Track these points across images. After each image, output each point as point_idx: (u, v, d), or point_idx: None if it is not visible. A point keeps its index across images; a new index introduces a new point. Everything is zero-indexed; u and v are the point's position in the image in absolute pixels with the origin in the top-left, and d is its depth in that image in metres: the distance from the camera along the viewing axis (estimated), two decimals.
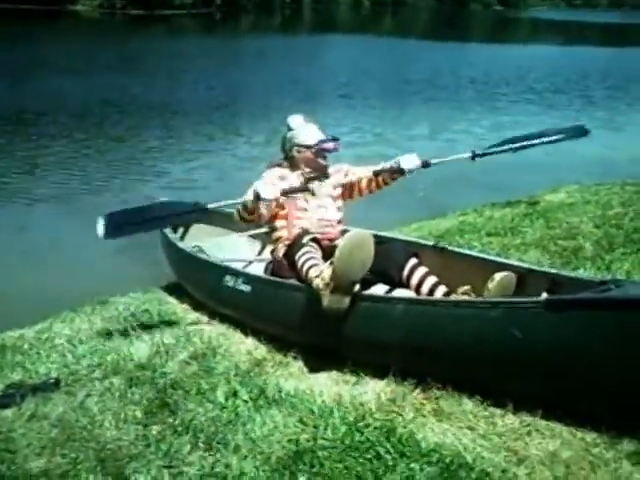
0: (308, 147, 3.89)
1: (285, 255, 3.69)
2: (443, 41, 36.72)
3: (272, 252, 3.99)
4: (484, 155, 4.17)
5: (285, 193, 3.73)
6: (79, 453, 2.73)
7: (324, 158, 3.93)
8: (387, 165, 3.98)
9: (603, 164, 9.64)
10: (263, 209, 3.70)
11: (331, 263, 3.20)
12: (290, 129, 4.00)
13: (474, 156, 4.10)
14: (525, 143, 4.64)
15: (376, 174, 3.98)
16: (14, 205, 7.72)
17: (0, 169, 9.25)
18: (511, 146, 4.47)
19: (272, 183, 3.77)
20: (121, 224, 3.84)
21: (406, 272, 3.57)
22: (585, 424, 2.67)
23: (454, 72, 21.73)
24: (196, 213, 4.03)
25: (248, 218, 3.85)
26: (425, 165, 4.00)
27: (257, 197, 3.61)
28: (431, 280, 3.53)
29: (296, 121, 4.01)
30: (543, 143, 4.63)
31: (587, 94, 17.74)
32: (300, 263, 3.47)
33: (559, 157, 10.43)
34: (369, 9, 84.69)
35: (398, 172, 3.93)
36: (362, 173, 4.04)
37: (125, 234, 3.94)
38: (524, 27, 63.96)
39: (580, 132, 5.10)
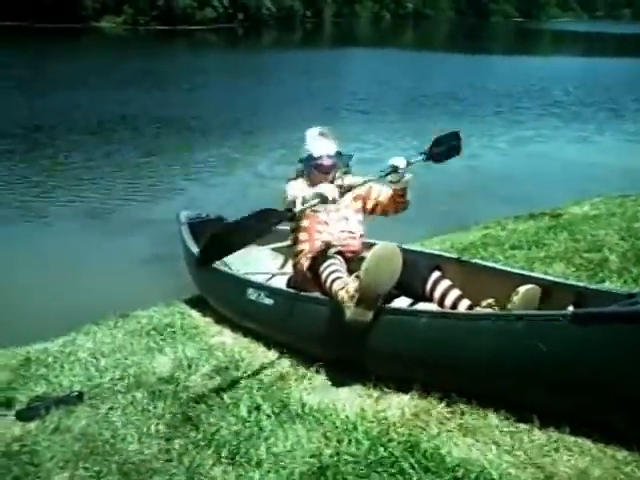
0: (309, 161, 3.87)
1: (309, 268, 3.67)
2: (464, 53, 36.76)
3: (294, 265, 3.97)
4: (430, 154, 4.03)
5: (342, 192, 3.58)
6: (102, 467, 2.73)
7: (325, 174, 3.85)
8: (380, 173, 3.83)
9: (627, 176, 9.53)
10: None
11: (357, 276, 3.18)
12: (304, 142, 3.99)
13: (427, 158, 4.02)
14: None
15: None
16: (36, 220, 7.80)
17: (22, 184, 9.37)
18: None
19: (293, 188, 3.76)
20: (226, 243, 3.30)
21: (429, 285, 3.54)
22: (615, 441, 2.61)
23: (475, 85, 21.69)
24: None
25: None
26: (408, 163, 3.81)
27: (323, 199, 3.44)
28: (454, 293, 3.50)
29: (310, 134, 3.98)
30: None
31: (610, 106, 17.62)
32: (324, 275, 3.46)
33: (582, 168, 10.40)
34: (390, 22, 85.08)
35: (392, 170, 3.76)
36: (382, 188, 3.96)
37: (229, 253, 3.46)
38: (546, 39, 63.80)
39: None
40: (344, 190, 3.69)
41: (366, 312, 3.17)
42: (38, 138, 12.34)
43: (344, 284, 3.29)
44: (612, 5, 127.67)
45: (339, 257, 3.56)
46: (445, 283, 3.56)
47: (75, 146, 11.71)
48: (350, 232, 3.88)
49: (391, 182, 3.83)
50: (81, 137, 12.58)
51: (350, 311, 3.17)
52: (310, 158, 3.87)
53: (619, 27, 75.95)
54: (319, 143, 3.92)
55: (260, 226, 3.37)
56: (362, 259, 3.54)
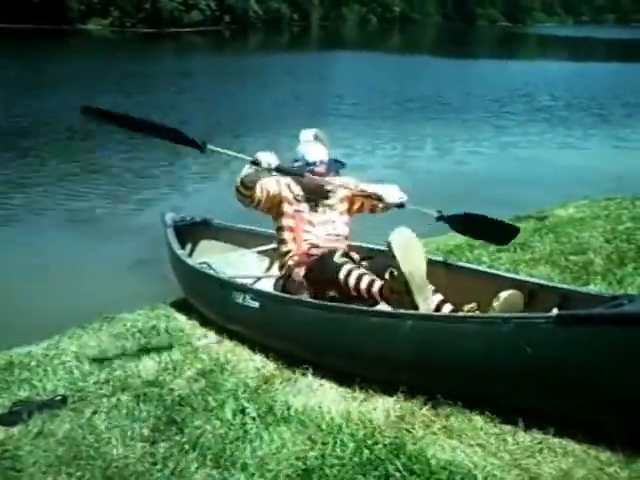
0: (303, 166, 3.86)
1: (307, 275, 3.67)
2: (450, 58, 36.91)
3: (281, 267, 3.96)
4: (447, 219, 3.97)
5: (281, 170, 3.62)
6: (85, 471, 2.70)
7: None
8: (374, 190, 3.85)
9: (612, 179, 9.60)
10: (255, 175, 3.60)
11: (392, 272, 3.29)
12: (299, 142, 4.00)
13: (439, 218, 3.97)
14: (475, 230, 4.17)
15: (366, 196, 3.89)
16: (21, 222, 7.73)
17: (6, 186, 9.27)
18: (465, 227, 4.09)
19: (277, 181, 3.82)
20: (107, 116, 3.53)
21: None
22: (599, 442, 2.62)
23: (461, 89, 21.77)
24: (194, 147, 3.60)
25: (245, 193, 3.74)
26: (400, 205, 3.82)
27: (254, 162, 3.51)
28: (437, 298, 3.51)
29: (305, 136, 3.98)
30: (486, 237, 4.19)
31: (596, 110, 17.74)
32: (343, 277, 3.50)
33: (567, 172, 10.45)
34: (376, 26, 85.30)
35: (378, 202, 3.84)
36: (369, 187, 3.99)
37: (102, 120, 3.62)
38: (531, 43, 64.21)
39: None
40: (333, 188, 3.73)
41: (422, 297, 3.28)
42: (22, 141, 12.21)
43: (371, 280, 3.39)
44: (597, 10, 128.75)
45: (347, 258, 3.61)
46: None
47: (59, 149, 11.60)
48: (336, 235, 3.89)
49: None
50: (65, 140, 12.50)
51: (405, 301, 3.28)
52: (304, 161, 3.86)
53: (604, 32, 76.55)
54: (313, 148, 3.91)
55: (157, 132, 3.60)
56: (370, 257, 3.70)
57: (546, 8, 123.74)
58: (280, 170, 3.63)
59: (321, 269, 3.60)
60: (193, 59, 32.67)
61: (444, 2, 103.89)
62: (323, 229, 3.84)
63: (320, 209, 3.85)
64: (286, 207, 3.85)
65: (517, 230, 4.01)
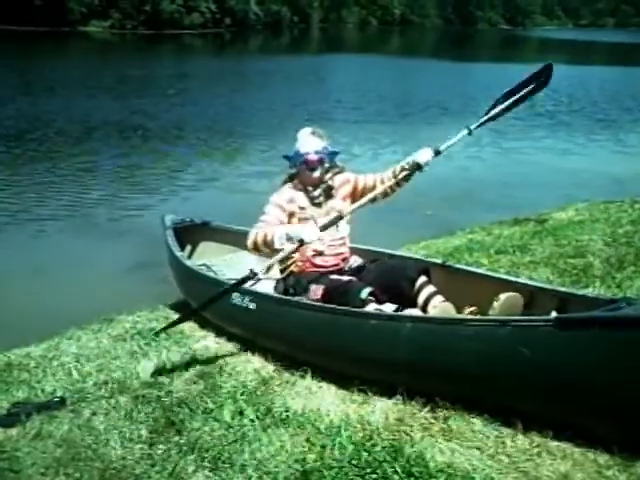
0: (296, 158, 3.81)
1: (325, 297, 3.61)
2: (451, 61, 36.93)
3: (282, 271, 3.92)
4: (479, 126, 3.99)
5: (325, 228, 3.61)
6: (84, 473, 2.71)
7: (312, 170, 3.79)
8: (404, 164, 3.79)
9: (612, 182, 9.62)
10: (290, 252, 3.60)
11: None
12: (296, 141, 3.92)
13: (470, 131, 3.95)
14: (513, 99, 4.18)
15: (394, 175, 3.81)
16: (22, 223, 7.73)
17: (8, 187, 9.28)
18: (502, 107, 4.11)
19: (280, 206, 3.74)
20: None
21: (416, 288, 3.55)
22: (597, 445, 2.62)
23: (462, 93, 21.75)
24: None
25: (264, 251, 3.73)
26: (437, 153, 3.79)
27: (301, 242, 3.49)
28: (438, 299, 3.50)
29: (301, 132, 3.91)
30: (528, 92, 4.16)
31: (596, 114, 17.74)
32: None
33: (567, 175, 10.47)
34: (376, 29, 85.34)
35: (416, 168, 3.73)
36: (372, 179, 3.92)
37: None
38: (532, 46, 64.21)
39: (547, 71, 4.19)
40: (336, 220, 3.67)
41: None
42: (20, 144, 12.21)
43: None
44: (596, 14, 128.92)
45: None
46: (430, 289, 3.57)
47: (59, 152, 11.59)
48: (341, 238, 3.87)
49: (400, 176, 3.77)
50: (65, 143, 12.47)
51: None
52: (297, 154, 3.81)
53: (603, 35, 76.63)
54: (307, 140, 3.85)
55: None
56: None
57: (546, 12, 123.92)
58: (323, 229, 3.61)
59: (342, 304, 3.46)
60: (193, 62, 32.68)
61: (444, 5, 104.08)
62: (327, 233, 3.79)
63: (323, 210, 3.82)
64: (294, 219, 3.81)
65: (550, 66, 4.11)
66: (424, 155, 3.72)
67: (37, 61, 27.42)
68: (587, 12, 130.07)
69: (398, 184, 3.81)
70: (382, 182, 3.85)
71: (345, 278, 3.69)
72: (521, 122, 16.02)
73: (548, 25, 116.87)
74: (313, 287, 3.69)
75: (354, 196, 3.92)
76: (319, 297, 3.62)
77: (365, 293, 3.47)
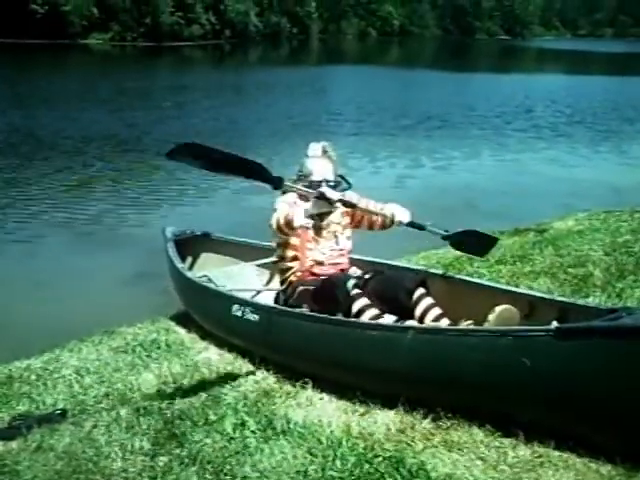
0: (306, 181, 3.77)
1: (315, 298, 3.64)
2: (450, 71, 37.03)
3: (283, 282, 3.92)
4: (450, 237, 4.00)
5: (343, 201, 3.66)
6: None
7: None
8: (383, 210, 3.84)
9: (611, 192, 9.63)
10: (318, 209, 3.62)
11: None
12: (306, 156, 3.90)
13: (445, 236, 3.98)
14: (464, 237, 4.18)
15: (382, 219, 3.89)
16: (22, 235, 7.73)
17: (8, 198, 9.29)
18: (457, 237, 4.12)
19: (289, 204, 3.71)
20: (193, 154, 3.38)
21: (414, 300, 3.56)
22: (599, 456, 2.62)
23: (461, 103, 21.77)
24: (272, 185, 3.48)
25: (288, 232, 3.66)
26: (410, 224, 3.84)
27: (321, 197, 3.56)
28: (435, 312, 3.50)
29: (312, 150, 3.88)
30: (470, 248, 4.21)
31: (595, 124, 17.76)
32: (356, 314, 3.47)
33: (567, 185, 10.47)
34: (376, 39, 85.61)
35: (390, 222, 3.82)
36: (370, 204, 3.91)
37: (189, 162, 3.46)
38: (530, 57, 64.47)
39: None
40: (348, 204, 3.69)
41: None
42: (19, 156, 12.21)
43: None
44: (594, 24, 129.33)
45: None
46: (427, 301, 3.56)
47: (55, 165, 11.55)
48: (340, 250, 3.88)
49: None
50: (60, 156, 12.42)
51: None
52: (309, 181, 3.76)
53: (601, 45, 76.86)
54: (320, 164, 3.81)
55: (237, 170, 3.45)
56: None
57: (544, 22, 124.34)
58: (342, 201, 3.65)
59: (330, 298, 3.53)
60: (192, 73, 32.75)
61: (443, 16, 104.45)
62: (327, 244, 3.81)
63: (324, 223, 3.82)
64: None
65: (496, 240, 4.24)
66: (403, 215, 3.80)
67: (34, 74, 27.47)
68: (585, 22, 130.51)
69: (384, 227, 3.93)
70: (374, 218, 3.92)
71: (331, 271, 3.72)
72: (521, 132, 16.08)
73: (546, 35, 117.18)
74: (300, 289, 3.72)
75: (353, 214, 3.93)
76: (310, 299, 3.64)
77: (350, 284, 3.50)
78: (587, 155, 13.52)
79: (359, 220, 3.97)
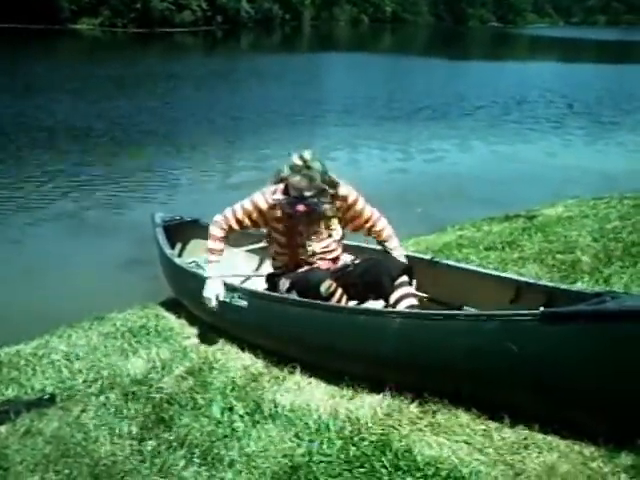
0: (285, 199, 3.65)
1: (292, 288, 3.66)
2: (442, 58, 36.99)
3: (272, 275, 3.94)
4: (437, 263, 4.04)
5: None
6: (73, 469, 2.71)
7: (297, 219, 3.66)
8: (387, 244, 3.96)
9: (601, 179, 9.67)
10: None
11: None
12: (290, 163, 3.59)
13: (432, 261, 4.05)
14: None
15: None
16: (12, 222, 7.70)
17: None
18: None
19: (256, 210, 3.73)
20: None
21: (395, 286, 3.55)
22: (583, 437, 2.65)
23: (453, 91, 21.75)
24: None
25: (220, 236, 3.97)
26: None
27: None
28: (409, 301, 3.50)
29: (295, 160, 3.55)
30: None
31: (586, 111, 17.79)
32: None
33: (556, 172, 10.51)
34: (368, 26, 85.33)
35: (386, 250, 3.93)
36: (370, 219, 3.87)
37: None
38: (523, 44, 64.39)
39: None
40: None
41: None
42: (15, 139, 12.19)
43: None
44: (587, 11, 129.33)
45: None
46: (404, 290, 3.55)
47: (48, 151, 11.51)
48: (327, 245, 3.81)
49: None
50: (57, 139, 12.46)
51: None
52: (287, 195, 3.64)
53: (594, 33, 76.85)
54: (297, 180, 3.55)
55: None
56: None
57: (537, 9, 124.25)
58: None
59: (306, 296, 3.53)
60: (183, 60, 32.49)
61: (435, 3, 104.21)
62: (315, 239, 3.76)
63: (316, 216, 3.73)
64: (275, 224, 3.76)
65: None
66: (400, 255, 3.93)
67: (25, 59, 27.23)
68: (578, 10, 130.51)
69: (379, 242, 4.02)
70: (369, 230, 3.95)
71: (306, 269, 3.71)
72: (512, 121, 16.09)
73: (539, 23, 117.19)
74: (282, 280, 3.72)
75: (345, 215, 3.80)
76: (293, 290, 3.64)
77: (324, 287, 3.48)
78: (577, 142, 13.56)
79: (349, 225, 3.89)
